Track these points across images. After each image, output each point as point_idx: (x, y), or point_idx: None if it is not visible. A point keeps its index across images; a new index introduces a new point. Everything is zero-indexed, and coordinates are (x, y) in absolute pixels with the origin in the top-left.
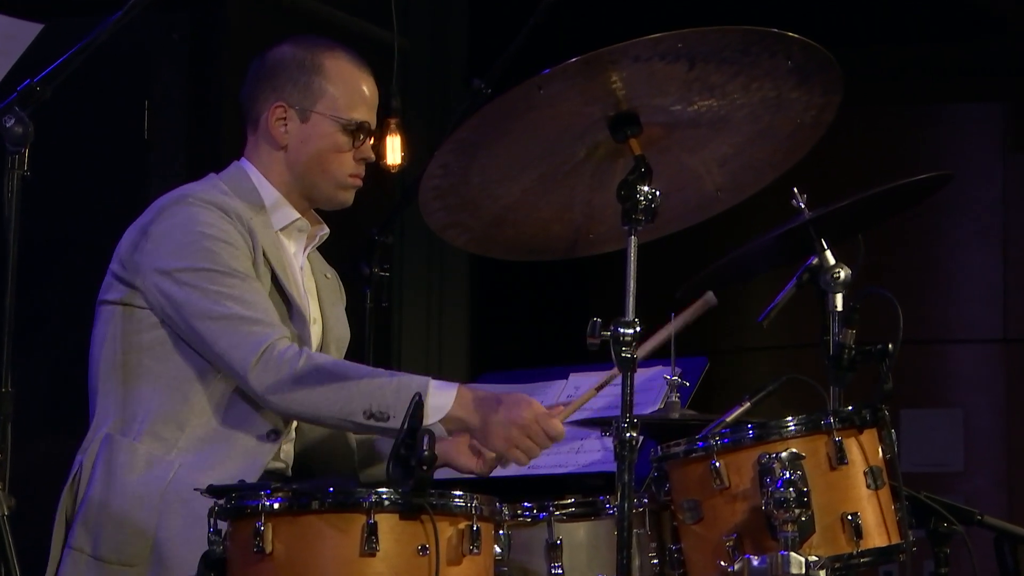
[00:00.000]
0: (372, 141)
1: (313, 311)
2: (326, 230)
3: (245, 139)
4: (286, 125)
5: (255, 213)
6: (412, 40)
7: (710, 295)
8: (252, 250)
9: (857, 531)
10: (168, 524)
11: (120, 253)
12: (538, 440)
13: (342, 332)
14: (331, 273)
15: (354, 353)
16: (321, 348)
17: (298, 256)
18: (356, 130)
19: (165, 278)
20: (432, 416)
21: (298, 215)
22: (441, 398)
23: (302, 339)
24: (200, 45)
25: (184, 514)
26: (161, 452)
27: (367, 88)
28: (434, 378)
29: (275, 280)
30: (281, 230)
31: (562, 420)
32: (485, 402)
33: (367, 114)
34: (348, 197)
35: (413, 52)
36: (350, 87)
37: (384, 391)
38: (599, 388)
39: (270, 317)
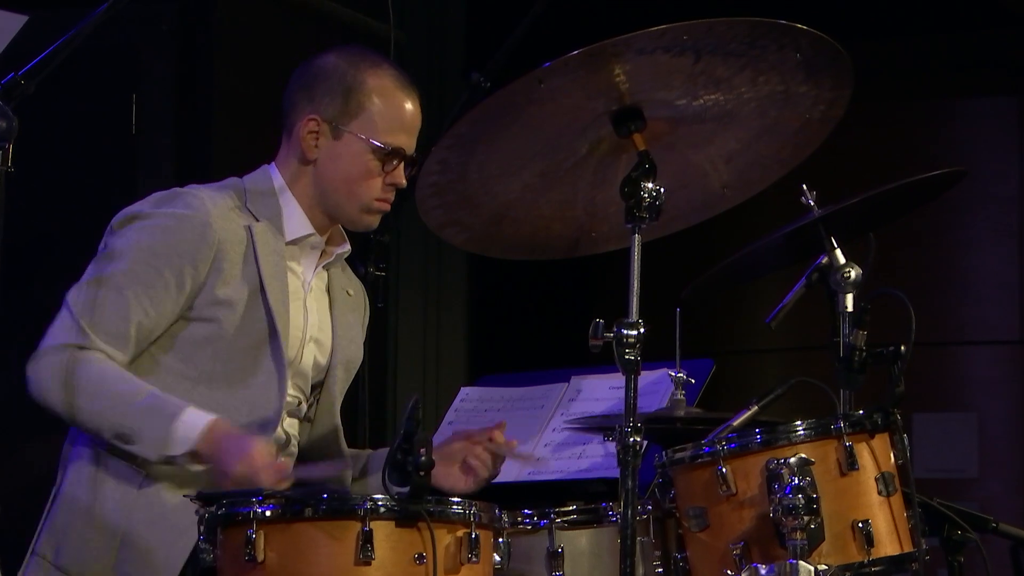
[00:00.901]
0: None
1: (312, 330)
2: (347, 248)
3: (279, 143)
4: (317, 139)
5: (267, 219)
6: (408, 32)
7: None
8: (213, 259)
9: (868, 539)
10: (134, 538)
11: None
12: (263, 477)
13: (353, 354)
14: (355, 290)
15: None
16: (328, 368)
17: (308, 272)
18: (389, 155)
19: (104, 239)
20: (177, 447)
21: (311, 231)
22: (190, 429)
23: (275, 358)
24: (189, 37)
25: (151, 528)
26: (129, 461)
27: (410, 112)
28: (191, 408)
29: (262, 293)
30: (292, 243)
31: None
32: (228, 440)
33: (405, 140)
34: (373, 221)
35: (409, 45)
36: (391, 109)
37: (135, 413)
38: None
39: (106, 330)
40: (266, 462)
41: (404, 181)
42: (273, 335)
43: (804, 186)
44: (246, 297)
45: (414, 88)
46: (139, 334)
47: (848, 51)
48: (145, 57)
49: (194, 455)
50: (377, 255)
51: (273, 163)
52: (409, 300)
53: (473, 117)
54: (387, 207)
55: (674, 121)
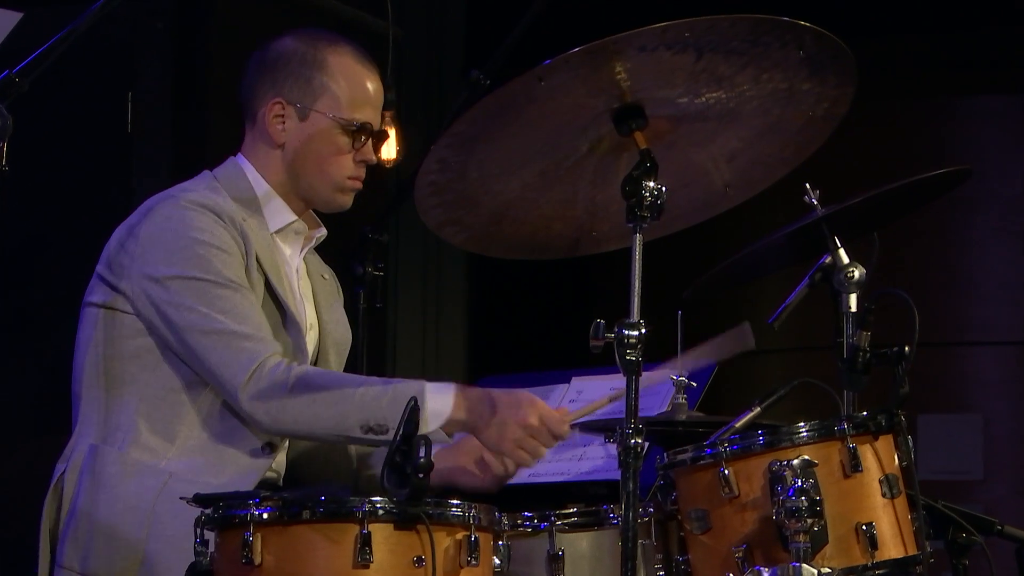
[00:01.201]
0: (373, 142)
1: (309, 316)
2: (324, 232)
3: (243, 134)
4: (284, 123)
5: (250, 214)
6: (407, 29)
7: (748, 334)
8: (245, 256)
9: (872, 542)
10: (159, 536)
11: (107, 254)
12: (543, 440)
13: (342, 335)
14: (328, 273)
15: (348, 356)
16: (319, 354)
17: (294, 259)
18: (357, 131)
19: (154, 285)
20: (432, 422)
21: (295, 217)
22: (439, 402)
23: (297, 348)
24: (185, 33)
25: (176, 526)
26: (151, 461)
27: (372, 87)
28: (429, 381)
29: (268, 286)
30: (277, 232)
31: (570, 422)
32: (485, 402)
33: (370, 115)
34: (346, 200)
35: (408, 42)
36: (353, 85)
37: (380, 402)
38: (612, 400)
39: (262, 331)
40: (547, 410)
41: (374, 157)
42: (290, 324)
43: (807, 185)
44: (261, 291)
45: (374, 64)
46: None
47: (852, 48)
48: (141, 55)
49: (452, 425)
50: (375, 255)
51: (240, 155)
52: (408, 301)
53: (472, 115)
54: (359, 185)
55: (676, 119)
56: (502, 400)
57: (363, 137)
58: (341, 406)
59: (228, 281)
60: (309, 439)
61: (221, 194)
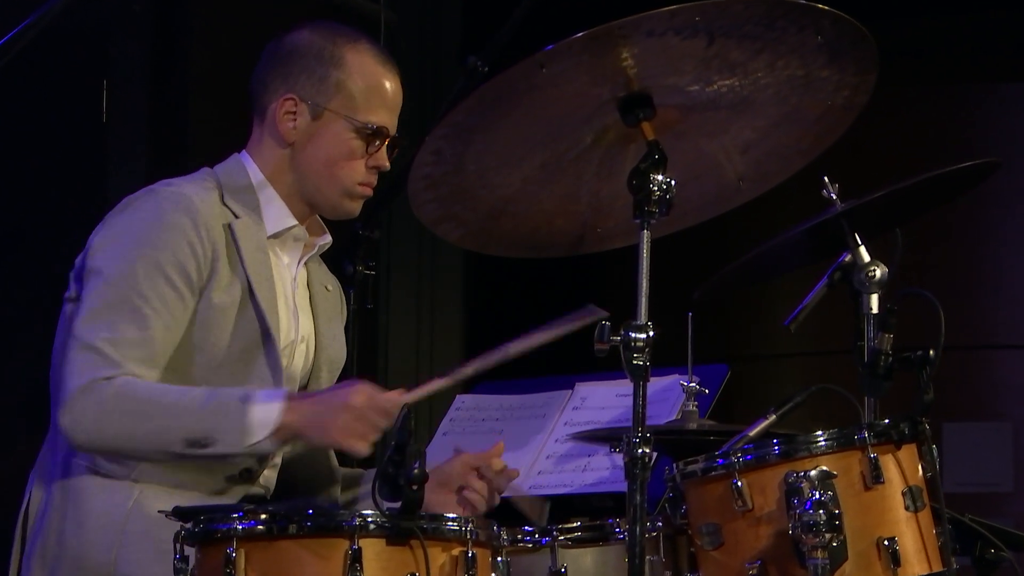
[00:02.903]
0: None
1: (303, 328)
2: (328, 239)
3: (250, 129)
4: (295, 120)
5: (246, 214)
6: (400, 13)
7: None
8: (211, 261)
9: (894, 558)
10: (129, 558)
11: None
12: (373, 418)
13: (336, 353)
14: (333, 285)
15: None
16: (311, 371)
17: (292, 267)
18: (372, 135)
19: (87, 271)
20: (258, 432)
21: (295, 222)
22: (265, 411)
23: (270, 362)
24: (164, 17)
25: (147, 547)
26: (121, 474)
27: (391, 88)
28: (258, 390)
29: (251, 294)
30: (273, 236)
31: (407, 401)
32: (313, 402)
33: (387, 118)
34: (355, 207)
35: (401, 26)
36: (371, 86)
37: (202, 413)
38: (455, 379)
39: (133, 353)
40: (372, 389)
41: (387, 164)
42: (267, 339)
43: (826, 178)
44: (237, 300)
45: (394, 64)
46: (164, 351)
47: (873, 32)
48: (116, 39)
49: (281, 433)
50: (366, 253)
51: (245, 151)
52: (401, 301)
53: (469, 105)
54: (370, 192)
55: (686, 108)
56: (326, 393)
57: (377, 142)
58: (160, 420)
59: (149, 289)
60: (133, 457)
61: (212, 193)
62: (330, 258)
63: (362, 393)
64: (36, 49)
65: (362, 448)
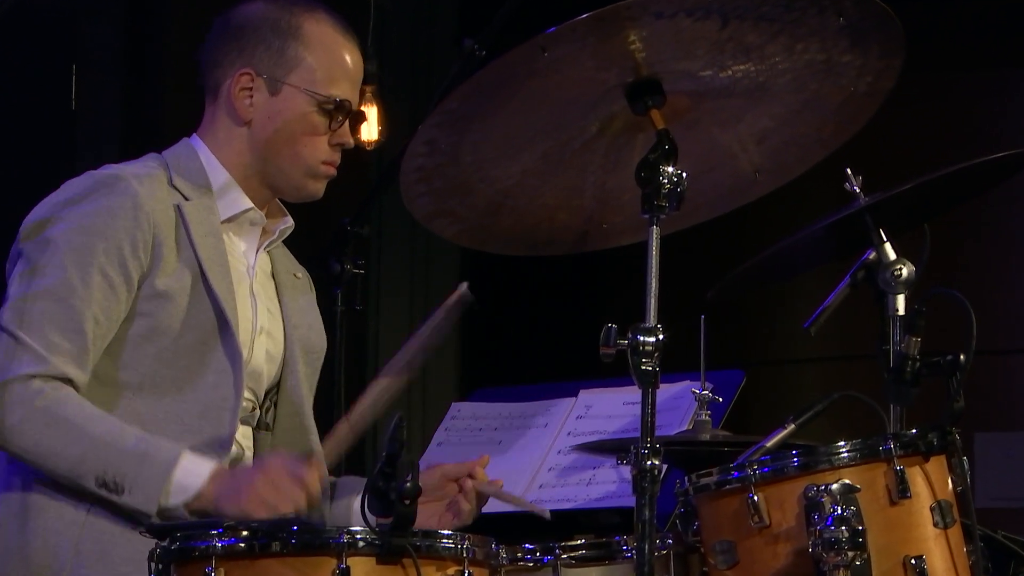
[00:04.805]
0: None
1: (262, 319)
2: (290, 223)
3: (202, 111)
4: (251, 96)
5: (198, 199)
6: None
7: (464, 288)
8: (152, 246)
9: None
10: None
11: None
12: (287, 488)
13: (314, 342)
14: (301, 273)
15: (323, 366)
16: (284, 363)
17: (249, 254)
18: (334, 109)
19: (18, 256)
20: (174, 497)
21: (249, 205)
22: (190, 476)
23: (229, 351)
24: None
25: (99, 565)
26: (71, 486)
27: (351, 60)
28: (190, 451)
29: (205, 281)
30: (228, 221)
31: (328, 462)
32: (232, 472)
33: (349, 91)
34: (318, 188)
35: (393, 8)
36: (331, 57)
37: (124, 458)
38: (361, 421)
39: (62, 348)
40: (287, 469)
41: (351, 140)
42: (223, 327)
43: (848, 170)
44: (188, 286)
45: (354, 34)
46: (95, 345)
47: (898, 14)
48: (87, 21)
49: (197, 503)
50: (355, 250)
51: (195, 135)
52: (392, 302)
53: (466, 91)
54: (333, 172)
55: (698, 95)
56: (247, 467)
57: (340, 117)
58: (81, 448)
59: (67, 286)
60: (43, 471)
61: (157, 174)
62: (315, 255)
63: (277, 462)
64: (2, 32)
65: (274, 513)
